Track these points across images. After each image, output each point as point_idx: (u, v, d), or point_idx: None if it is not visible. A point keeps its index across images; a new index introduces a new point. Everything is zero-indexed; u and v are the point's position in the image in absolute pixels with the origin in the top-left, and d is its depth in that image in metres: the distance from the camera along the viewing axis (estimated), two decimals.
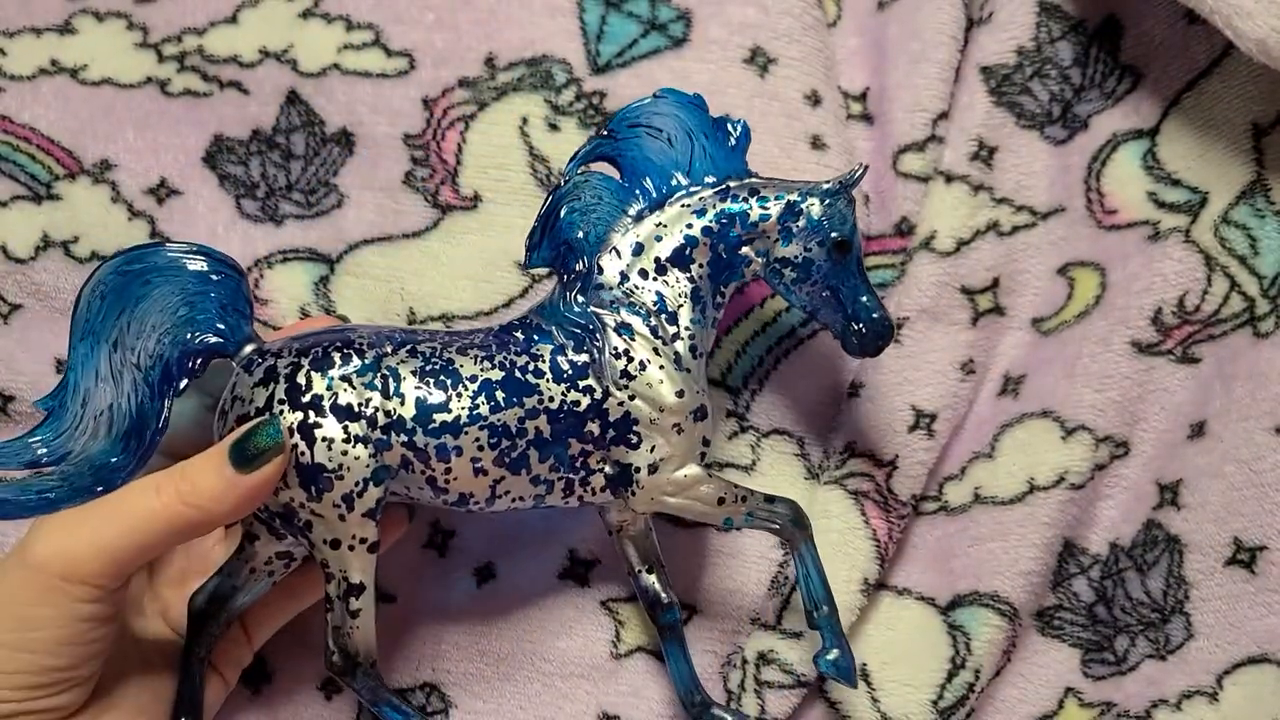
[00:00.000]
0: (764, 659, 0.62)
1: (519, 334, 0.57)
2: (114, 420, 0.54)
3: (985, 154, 0.66)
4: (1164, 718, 0.63)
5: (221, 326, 0.55)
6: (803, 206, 0.57)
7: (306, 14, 0.67)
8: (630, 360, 0.56)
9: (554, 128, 0.66)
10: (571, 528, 0.65)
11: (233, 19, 0.67)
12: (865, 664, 0.64)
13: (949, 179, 0.66)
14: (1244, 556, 0.63)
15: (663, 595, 0.60)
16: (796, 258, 0.57)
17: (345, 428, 0.54)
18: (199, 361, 0.55)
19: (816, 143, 0.66)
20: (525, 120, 0.66)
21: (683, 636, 0.60)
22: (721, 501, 0.57)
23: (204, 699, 0.57)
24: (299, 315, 0.64)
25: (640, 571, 0.60)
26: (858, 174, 0.57)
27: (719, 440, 0.65)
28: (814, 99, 0.67)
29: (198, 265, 0.55)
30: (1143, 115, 0.66)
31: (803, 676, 0.62)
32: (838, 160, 0.66)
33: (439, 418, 0.54)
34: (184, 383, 0.54)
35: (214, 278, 0.55)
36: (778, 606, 0.63)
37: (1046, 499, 0.63)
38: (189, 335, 0.54)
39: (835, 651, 0.58)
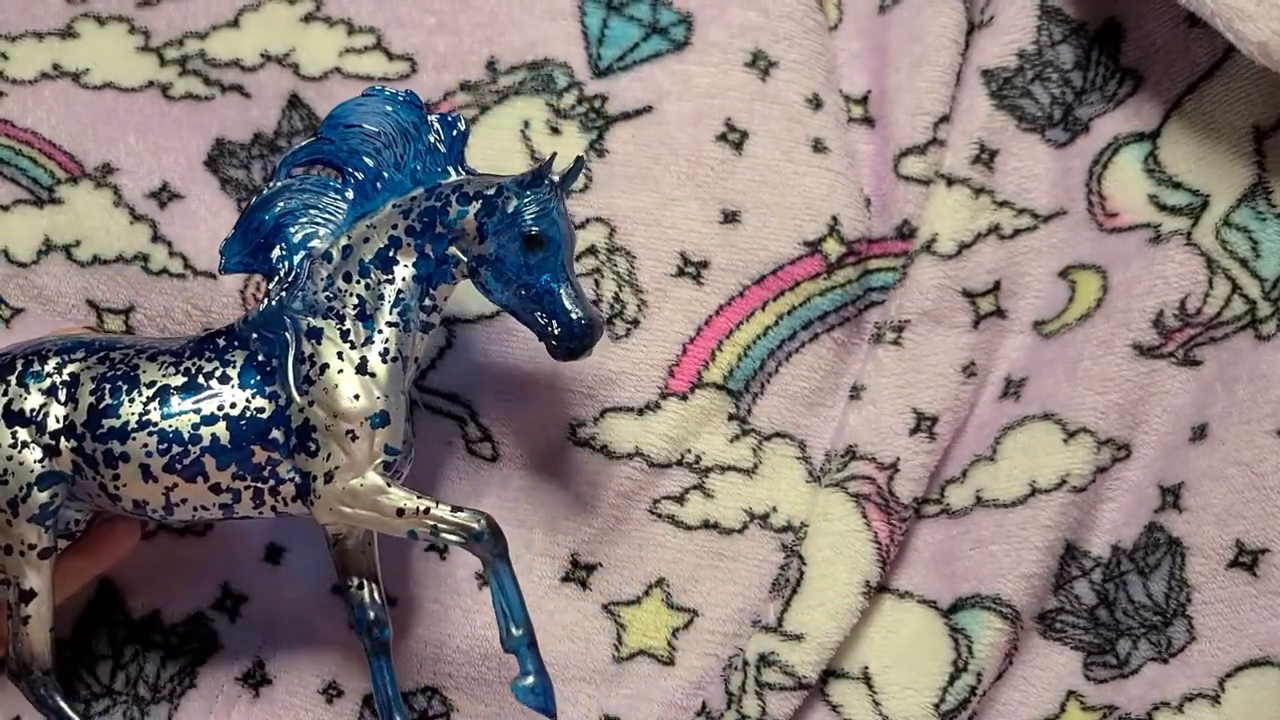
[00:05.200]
0: (765, 661, 0.62)
1: (220, 340, 0.56)
2: None
3: (986, 157, 0.66)
4: None
5: None
6: (499, 201, 0.55)
7: (308, 17, 0.67)
8: (313, 365, 0.55)
9: (555, 131, 0.66)
10: (573, 533, 0.65)
11: (234, 23, 0.67)
12: (867, 667, 0.64)
13: (950, 182, 0.66)
14: (1246, 559, 0.63)
15: (372, 613, 0.58)
16: (491, 255, 0.55)
17: (14, 433, 0.55)
18: None
19: (818, 146, 0.66)
20: (527, 124, 0.66)
21: (390, 655, 0.59)
22: (401, 513, 0.55)
23: None
24: None
25: (351, 587, 0.58)
26: (548, 163, 0.55)
27: (721, 444, 0.65)
28: (815, 102, 0.67)
29: None
30: (1144, 118, 0.66)
31: (804, 679, 0.62)
32: (839, 163, 0.66)
33: (107, 423, 0.55)
34: None
35: None
36: (779, 609, 0.63)
37: (1048, 501, 0.63)
38: None
39: (530, 677, 0.54)
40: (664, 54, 0.67)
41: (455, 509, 0.55)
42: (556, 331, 0.55)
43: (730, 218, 0.65)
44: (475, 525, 0.54)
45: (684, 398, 0.65)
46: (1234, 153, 0.65)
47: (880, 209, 0.67)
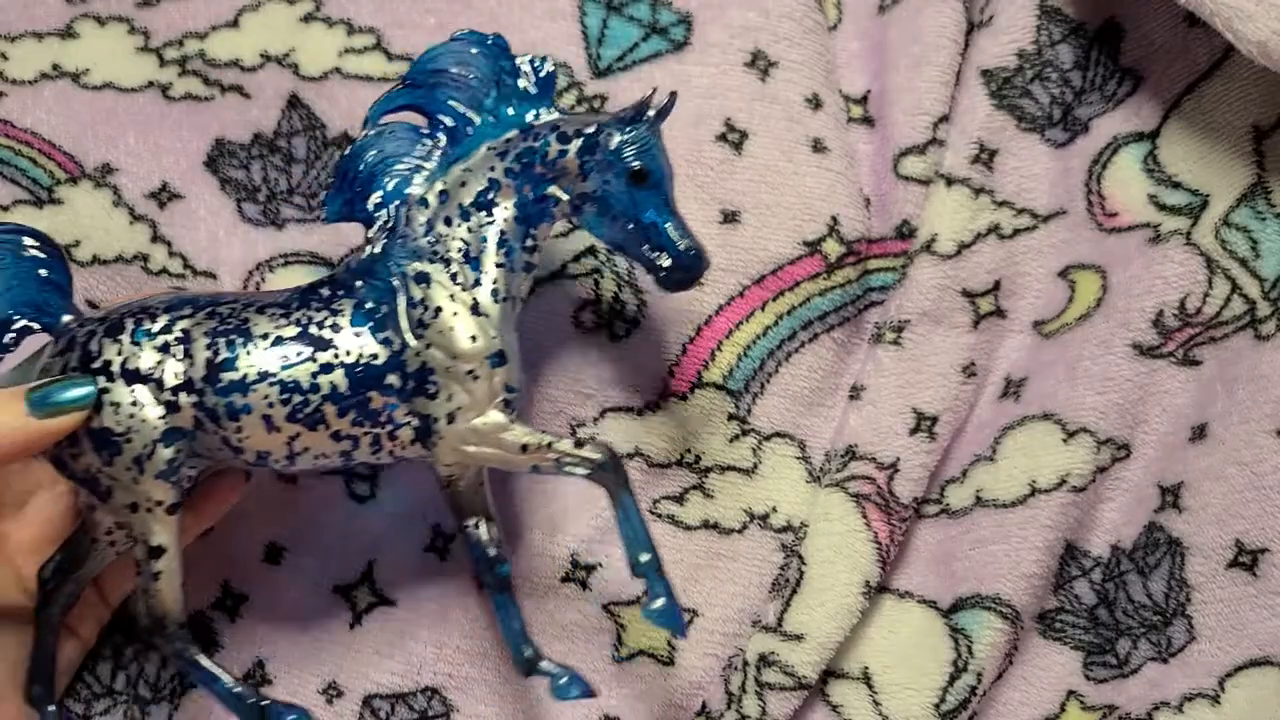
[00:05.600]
0: (765, 661, 0.62)
1: (325, 290, 0.57)
2: None
3: (986, 157, 0.66)
4: None
5: (36, 300, 0.56)
6: (600, 139, 0.56)
7: (308, 18, 0.67)
8: (425, 309, 0.55)
9: None
10: (575, 532, 0.65)
11: (234, 23, 0.67)
12: (867, 667, 0.64)
13: (950, 182, 0.66)
14: (1246, 559, 0.63)
15: (491, 550, 0.58)
16: (595, 191, 0.56)
17: (133, 391, 0.55)
18: (12, 336, 0.56)
19: (818, 146, 0.66)
20: None
21: (512, 590, 0.59)
22: (525, 449, 0.56)
23: (57, 664, 0.58)
24: None
25: (469, 526, 0.58)
26: (648, 98, 0.56)
27: (721, 444, 0.65)
28: (815, 102, 0.67)
29: (9, 241, 0.56)
30: (1143, 118, 0.66)
31: (804, 679, 0.62)
32: (839, 163, 0.66)
33: (226, 376, 0.55)
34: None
35: (27, 253, 0.56)
36: (779, 609, 0.63)
37: (1048, 501, 0.63)
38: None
39: (660, 600, 0.56)
40: (664, 54, 0.67)
41: (578, 443, 0.56)
42: (666, 263, 0.55)
43: (730, 218, 0.65)
44: (599, 456, 0.56)
45: (684, 398, 0.65)
46: (1233, 153, 0.65)
47: (880, 209, 0.67)
